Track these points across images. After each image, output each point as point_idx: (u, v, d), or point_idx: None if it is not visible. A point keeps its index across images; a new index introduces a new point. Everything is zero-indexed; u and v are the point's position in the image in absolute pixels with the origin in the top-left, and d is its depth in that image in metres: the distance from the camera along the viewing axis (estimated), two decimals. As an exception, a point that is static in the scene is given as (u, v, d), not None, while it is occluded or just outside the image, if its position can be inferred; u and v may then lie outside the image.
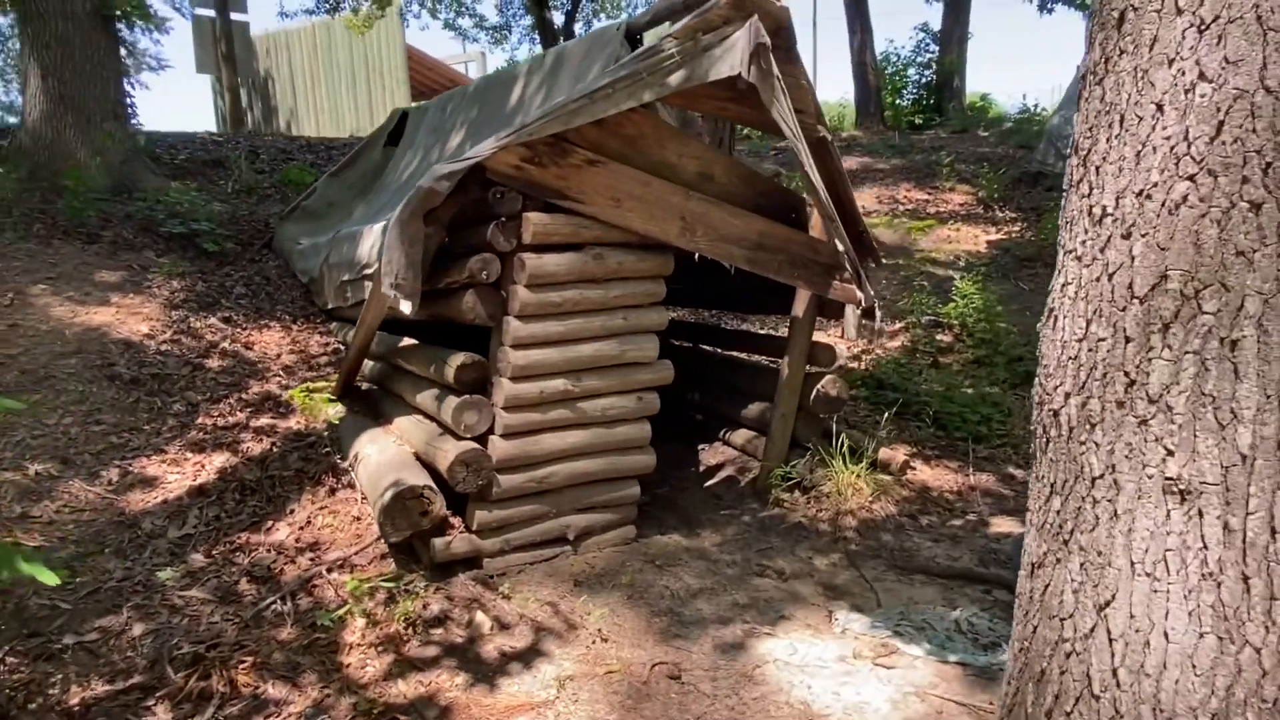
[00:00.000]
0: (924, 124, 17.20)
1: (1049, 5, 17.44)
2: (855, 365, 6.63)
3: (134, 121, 8.87)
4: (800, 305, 4.52)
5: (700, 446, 5.42)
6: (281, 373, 5.32)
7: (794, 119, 3.73)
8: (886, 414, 5.41)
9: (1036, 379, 1.95)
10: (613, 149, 3.65)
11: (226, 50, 14.59)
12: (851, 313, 4.44)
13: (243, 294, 6.46)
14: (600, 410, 3.87)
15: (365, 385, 5.19)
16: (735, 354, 5.58)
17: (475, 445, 3.59)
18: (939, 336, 7.37)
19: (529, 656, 3.22)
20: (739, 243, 3.93)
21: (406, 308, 3.64)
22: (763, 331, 7.24)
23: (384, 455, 3.92)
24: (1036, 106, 17.22)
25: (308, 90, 17.80)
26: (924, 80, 18.30)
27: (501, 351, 3.63)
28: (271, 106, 18.12)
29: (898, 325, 7.47)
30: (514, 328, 3.57)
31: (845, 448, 4.57)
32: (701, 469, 5.16)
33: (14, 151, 7.51)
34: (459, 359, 3.61)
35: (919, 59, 18.68)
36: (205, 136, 10.65)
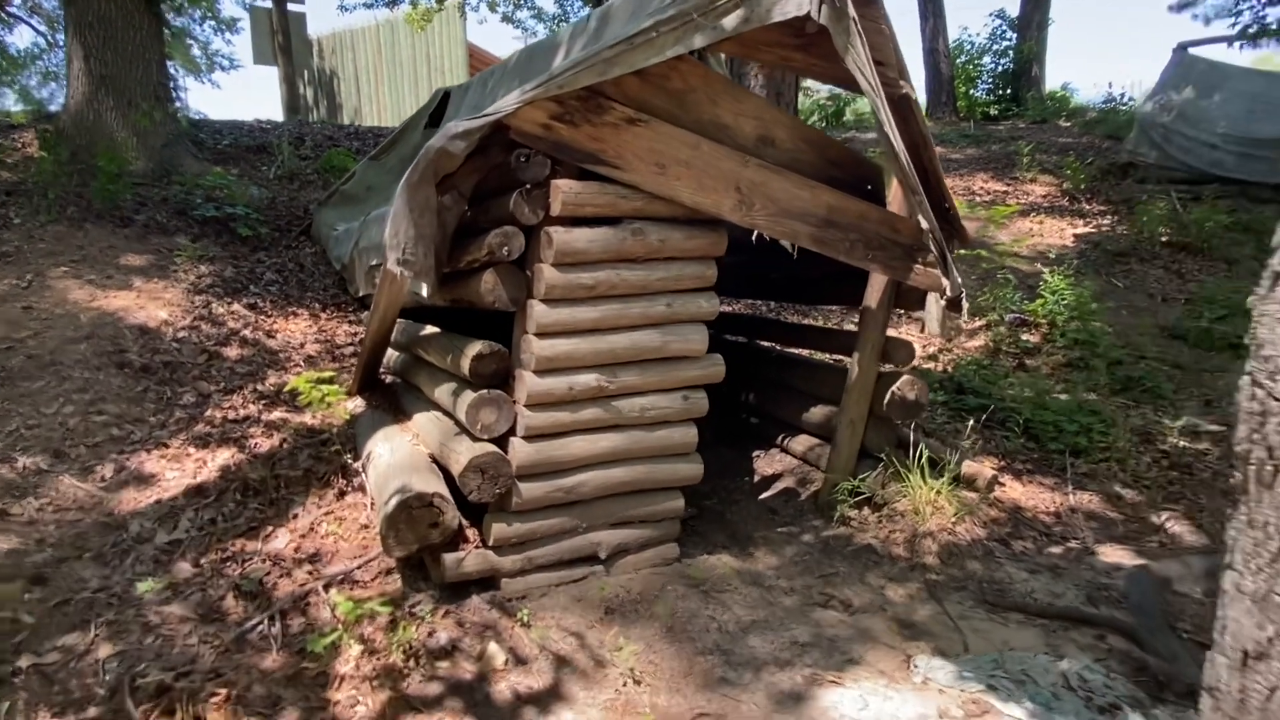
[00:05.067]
0: (1000, 114, 16.25)
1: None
2: (932, 366, 5.96)
3: (179, 105, 8.71)
4: (874, 294, 3.92)
5: (755, 453, 4.85)
6: (303, 363, 4.94)
7: (873, 70, 3.15)
8: (971, 422, 4.76)
9: (1248, 377, 1.36)
10: (657, 106, 3.13)
11: (284, 41, 14.56)
12: (935, 303, 3.83)
13: (273, 280, 6.13)
14: (638, 410, 3.34)
15: (389, 378, 4.77)
16: (796, 351, 4.99)
17: (493, 448, 3.11)
18: (1025, 336, 6.64)
19: (547, 700, 2.72)
20: (804, 219, 3.36)
21: (421, 289, 3.18)
22: (828, 326, 6.62)
23: (396, 456, 3.47)
24: (1123, 96, 16.13)
25: (372, 88, 17.99)
26: (1000, 69, 17.32)
27: (525, 340, 3.14)
28: (337, 104, 18.40)
29: (978, 323, 6.76)
30: (539, 313, 3.07)
31: (924, 459, 3.95)
32: (756, 479, 4.60)
33: (56, 134, 7.36)
34: (476, 347, 3.13)
35: (994, 46, 17.70)
36: (254, 123, 10.48)
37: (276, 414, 4.31)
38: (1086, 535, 3.97)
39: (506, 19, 22.21)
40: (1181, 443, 5.03)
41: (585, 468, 3.30)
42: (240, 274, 6.06)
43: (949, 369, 5.85)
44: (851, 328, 6.77)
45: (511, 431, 3.18)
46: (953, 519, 3.90)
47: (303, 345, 5.19)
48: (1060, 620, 3.29)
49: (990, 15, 19.45)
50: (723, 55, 3.99)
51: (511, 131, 2.95)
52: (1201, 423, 5.29)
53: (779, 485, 4.45)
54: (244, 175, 8.24)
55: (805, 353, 5.08)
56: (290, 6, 14.67)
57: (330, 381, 3.65)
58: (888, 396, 3.95)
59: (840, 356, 4.57)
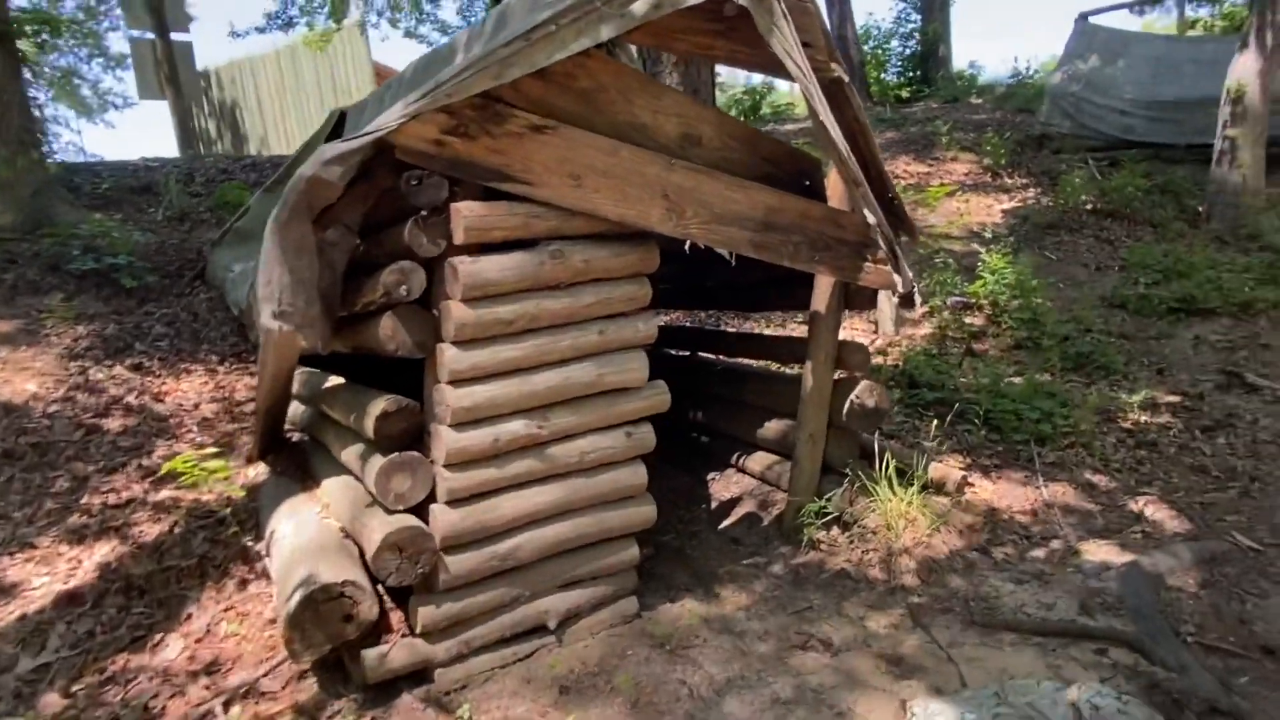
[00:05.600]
0: (912, 96, 16.34)
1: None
2: (881, 360, 5.71)
3: (49, 150, 7.95)
4: (822, 297, 3.60)
5: (710, 476, 4.50)
6: (197, 428, 4.39)
7: (801, 54, 2.82)
8: (934, 420, 4.50)
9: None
10: (565, 109, 2.74)
11: (170, 73, 13.70)
12: (887, 301, 3.54)
13: (162, 335, 5.52)
14: (577, 455, 2.95)
15: (296, 435, 4.27)
16: (744, 361, 4.65)
17: (410, 521, 2.67)
18: (969, 319, 6.46)
19: (499, 816, 2.30)
20: (741, 223, 3.02)
21: (308, 343, 2.72)
22: (775, 333, 6.31)
23: (301, 535, 2.99)
24: (1028, 69, 16.44)
25: (277, 116, 17.33)
26: (908, 52, 17.47)
27: (438, 390, 2.71)
28: (241, 135, 17.70)
29: (921, 309, 6.55)
30: (451, 357, 2.65)
31: (891, 469, 3.65)
32: (714, 505, 4.24)
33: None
34: (379, 405, 2.69)
35: (901, 30, 17.87)
36: (139, 162, 9.72)
37: (165, 493, 3.77)
38: (1067, 532, 3.73)
39: (409, 34, 21.54)
40: (1143, 418, 4.87)
41: (522, 528, 2.88)
42: (124, 331, 5.44)
43: (899, 363, 5.61)
44: (798, 329, 6.52)
45: (431, 497, 2.75)
46: (927, 531, 3.61)
47: (197, 406, 4.63)
48: (1057, 637, 3.01)
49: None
50: (633, 48, 3.63)
51: (397, 151, 2.53)
52: (1159, 394, 5.16)
53: (740, 510, 4.11)
54: (128, 220, 7.54)
55: (753, 363, 4.75)
56: (175, 37, 13.80)
57: (220, 455, 3.15)
58: (847, 406, 3.64)
59: (792, 365, 4.26)
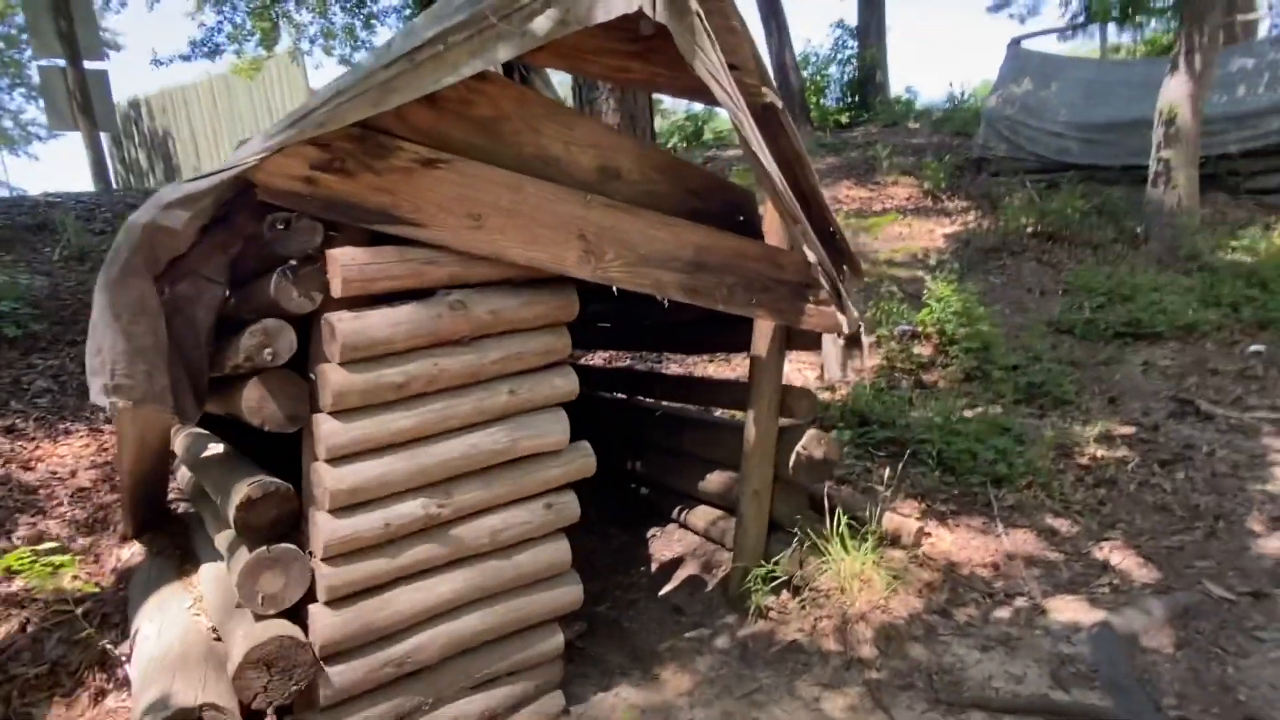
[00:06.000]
0: (851, 121, 16.43)
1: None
2: (829, 396, 5.44)
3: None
4: (762, 340, 3.30)
5: (650, 532, 4.14)
6: (69, 501, 3.87)
7: (728, 77, 2.52)
8: (886, 469, 4.22)
9: None
10: (461, 140, 2.39)
11: (83, 102, 12.99)
12: (833, 344, 3.24)
13: (44, 390, 4.97)
14: (488, 535, 2.56)
15: (183, 505, 3.79)
16: (685, 406, 4.32)
17: (282, 629, 2.25)
18: (916, 350, 6.25)
19: None
20: (668, 264, 2.69)
21: (165, 412, 2.31)
22: (717, 374, 6.00)
23: (164, 639, 2.55)
24: (963, 94, 16.67)
25: (210, 146, 16.80)
26: (846, 78, 17.61)
27: (315, 470, 2.31)
28: (174, 166, 17.10)
29: (869, 341, 6.31)
30: (329, 431, 2.25)
31: (843, 525, 3.34)
32: (654, 567, 3.88)
33: None
34: (242, 490, 2.27)
35: (839, 56, 18.03)
36: (39, 198, 9.06)
37: (19, 583, 3.26)
38: (1032, 587, 3.46)
39: (344, 61, 21.05)
40: (1100, 452, 4.67)
41: (422, 625, 2.48)
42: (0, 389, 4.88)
43: (847, 400, 5.34)
44: (743, 368, 6.20)
45: (310, 596, 2.33)
46: (884, 593, 3.30)
47: (73, 474, 4.12)
48: (1030, 715, 2.71)
49: (831, 25, 19.84)
50: (549, 75, 3.31)
51: (258, 191, 2.15)
52: (1113, 426, 4.97)
53: (682, 573, 3.75)
54: (20, 260, 6.94)
55: (694, 408, 4.42)
56: (88, 65, 13.12)
57: (65, 547, 2.69)
58: (793, 459, 3.32)
59: (735, 410, 3.94)
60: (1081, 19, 10.92)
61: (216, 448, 3.09)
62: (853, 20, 17.47)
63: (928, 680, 2.94)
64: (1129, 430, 4.95)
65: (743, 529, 3.41)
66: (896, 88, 18.18)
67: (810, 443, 3.33)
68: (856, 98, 17.01)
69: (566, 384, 2.70)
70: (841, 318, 3.07)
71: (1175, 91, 8.47)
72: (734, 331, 3.62)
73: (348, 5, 15.76)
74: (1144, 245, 8.67)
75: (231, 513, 2.25)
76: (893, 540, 3.65)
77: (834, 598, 3.30)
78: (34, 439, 4.41)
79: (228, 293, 2.48)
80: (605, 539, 4.13)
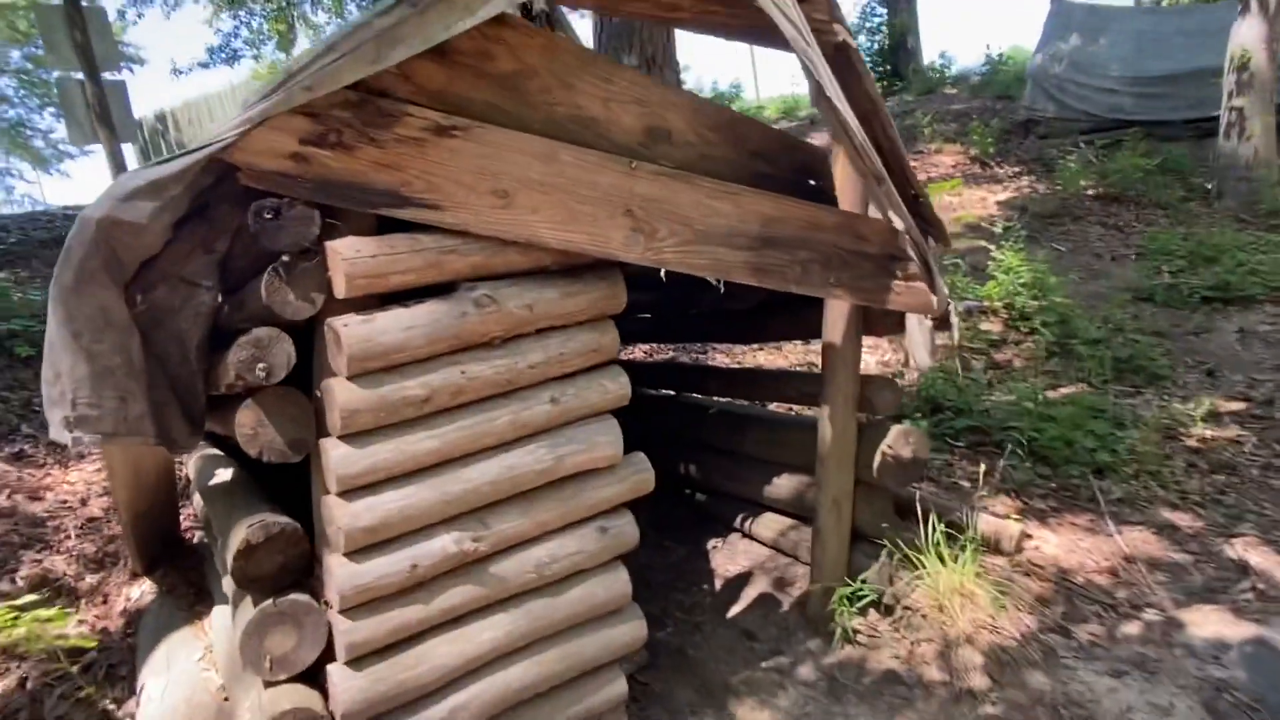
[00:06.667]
0: (885, 91, 15.77)
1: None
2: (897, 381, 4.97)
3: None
4: (836, 325, 2.86)
5: (711, 544, 3.72)
6: (77, 533, 3.57)
7: (798, 10, 2.09)
8: (971, 455, 3.76)
9: None
10: (480, 102, 1.98)
11: (102, 114, 12.86)
12: (920, 326, 2.80)
13: (57, 412, 4.69)
14: (533, 570, 2.17)
15: (198, 535, 3.47)
16: (740, 402, 3.89)
17: (297, 697, 1.88)
18: (983, 326, 5.75)
19: None
20: (732, 241, 2.26)
21: (146, 444, 1.95)
22: (778, 364, 5.54)
23: (168, 701, 2.20)
24: (1000, 56, 15.94)
25: None
26: (876, 46, 16.98)
27: (325, 505, 1.93)
28: None
29: (956, 320, 5.84)
30: (340, 459, 1.87)
31: (938, 534, 2.91)
32: (719, 585, 3.46)
33: None
34: (240, 535, 1.90)
35: (867, 24, 17.40)
36: (57, 211, 8.89)
37: (23, 629, 2.95)
38: (1160, 597, 2.99)
39: (360, 61, 20.78)
40: (1209, 433, 4.15)
41: (462, 681, 2.09)
42: (9, 411, 4.61)
43: (915, 385, 4.87)
44: (801, 354, 5.73)
45: (328, 655, 1.96)
46: (991, 610, 2.86)
47: (84, 503, 3.82)
48: (1191, 760, 2.26)
49: (858, -7, 19.17)
50: (570, 22, 2.91)
51: (240, 173, 1.76)
52: (1219, 403, 4.45)
53: (751, 591, 3.33)
54: (35, 276, 6.74)
55: (752, 404, 3.99)
56: (106, 76, 12.99)
57: (55, 597, 2.36)
58: (878, 459, 2.88)
59: (799, 405, 3.51)
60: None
61: (225, 473, 2.75)
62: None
63: (1054, 714, 2.49)
64: (1238, 406, 4.42)
65: (821, 542, 2.98)
66: (929, 54, 17.47)
67: (897, 441, 2.88)
68: (889, 66, 16.37)
69: (617, 387, 2.29)
70: (933, 296, 2.62)
71: (1247, 35, 7.81)
72: (797, 316, 3.20)
73: (364, 5, 15.42)
74: (1217, 202, 8.04)
75: (229, 561, 1.88)
76: (991, 546, 3.20)
77: (932, 617, 2.87)
78: (44, 465, 4.13)
79: (220, 299, 2.12)
80: (662, 552, 3.73)
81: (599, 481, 2.29)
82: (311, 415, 1.96)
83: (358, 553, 1.91)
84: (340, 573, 1.88)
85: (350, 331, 1.84)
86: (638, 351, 5.94)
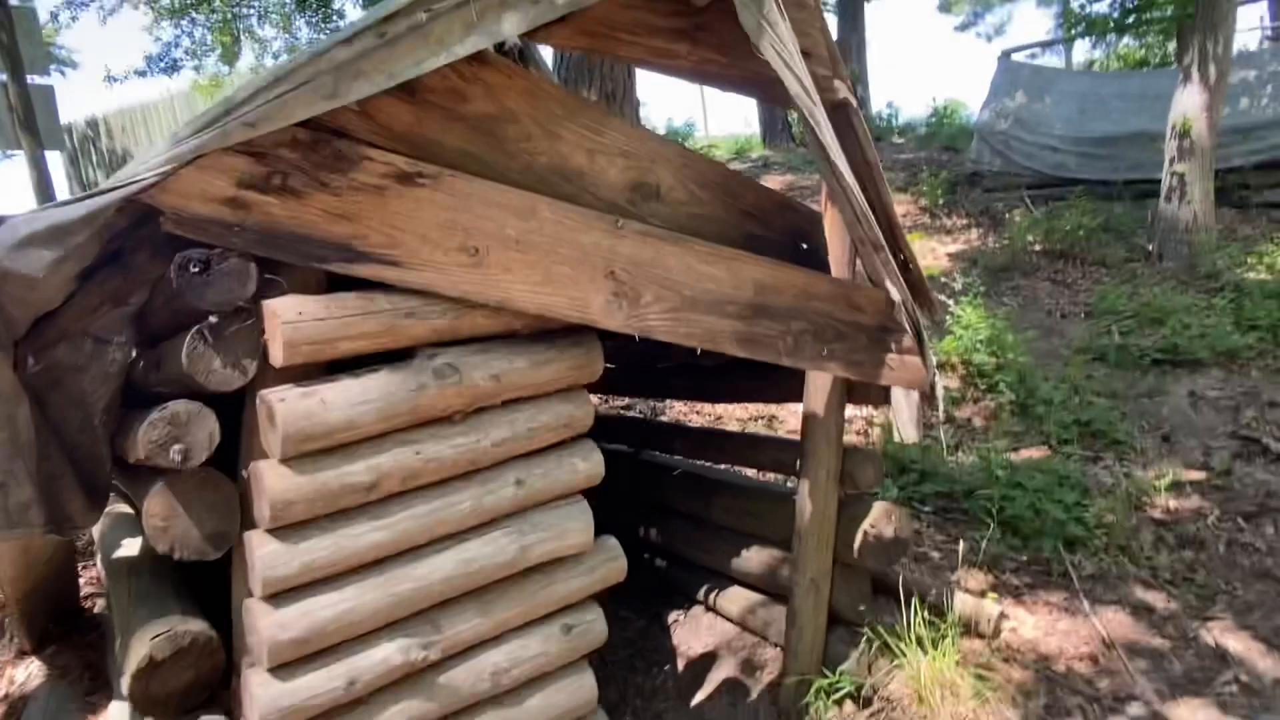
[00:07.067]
0: (836, 137, 16.00)
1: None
2: (858, 439, 4.84)
3: None
4: (819, 393, 2.68)
5: (672, 618, 3.48)
6: (-45, 597, 3.13)
7: (802, 64, 1.92)
8: (938, 527, 3.62)
9: None
10: (451, 148, 1.75)
11: (24, 118, 12.15)
12: (904, 398, 2.64)
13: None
14: (489, 678, 1.90)
15: (99, 604, 3.07)
16: (711, 466, 3.68)
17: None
18: (944, 383, 5.68)
19: None
20: (723, 309, 2.06)
21: (32, 536, 1.64)
22: (750, 429, 5.34)
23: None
24: (945, 109, 16.41)
25: None
26: (828, 92, 17.25)
27: (249, 612, 1.64)
28: None
29: (941, 391, 5.75)
30: (267, 559, 1.59)
31: (919, 615, 2.73)
32: (681, 665, 3.22)
33: None
34: (141, 651, 1.59)
35: (820, 71, 17.72)
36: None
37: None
38: (1143, 687, 2.86)
39: (307, 78, 20.28)
40: (1173, 503, 4.11)
41: (402, 815, 1.80)
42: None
43: (877, 442, 4.75)
44: (785, 419, 5.51)
45: (243, 791, 1.66)
46: (973, 703, 2.68)
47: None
48: None
49: (810, 41, 19.50)
50: (547, 62, 2.70)
51: (164, 219, 1.49)
52: (1180, 471, 4.42)
53: (717, 674, 3.09)
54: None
55: (722, 467, 3.77)
56: (33, 79, 12.30)
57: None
58: (859, 539, 2.70)
59: (774, 472, 3.31)
60: (1077, 31, 10.57)
61: (133, 544, 2.40)
62: (833, 36, 17.16)
63: (1047, 827, 2.31)
64: (1198, 475, 4.40)
65: (796, 628, 2.77)
66: (877, 104, 17.87)
67: (880, 519, 2.71)
68: (840, 113, 16.64)
69: (589, 466, 2.06)
70: (924, 370, 2.46)
71: (1188, 103, 8.07)
72: (774, 378, 3.00)
73: (313, 20, 15.03)
74: (1159, 263, 8.25)
75: (127, 679, 1.57)
76: (968, 629, 3.04)
77: (912, 709, 2.67)
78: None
79: (134, 353, 1.82)
80: (619, 624, 3.46)
81: (566, 572, 2.04)
82: (236, 503, 1.67)
83: (284, 668, 1.62)
84: (262, 694, 1.58)
85: (288, 408, 1.57)
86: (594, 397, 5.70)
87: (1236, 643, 3.07)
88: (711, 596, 3.35)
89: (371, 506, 1.71)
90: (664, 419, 5.22)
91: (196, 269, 1.56)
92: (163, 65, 15.45)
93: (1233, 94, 9.93)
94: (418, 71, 1.57)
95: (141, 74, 15.88)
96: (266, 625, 1.58)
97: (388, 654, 1.72)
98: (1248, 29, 13.40)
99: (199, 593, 1.89)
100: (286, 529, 1.61)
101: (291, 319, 1.58)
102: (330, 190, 1.62)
